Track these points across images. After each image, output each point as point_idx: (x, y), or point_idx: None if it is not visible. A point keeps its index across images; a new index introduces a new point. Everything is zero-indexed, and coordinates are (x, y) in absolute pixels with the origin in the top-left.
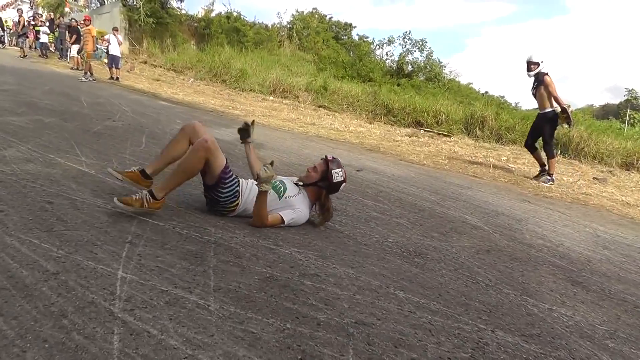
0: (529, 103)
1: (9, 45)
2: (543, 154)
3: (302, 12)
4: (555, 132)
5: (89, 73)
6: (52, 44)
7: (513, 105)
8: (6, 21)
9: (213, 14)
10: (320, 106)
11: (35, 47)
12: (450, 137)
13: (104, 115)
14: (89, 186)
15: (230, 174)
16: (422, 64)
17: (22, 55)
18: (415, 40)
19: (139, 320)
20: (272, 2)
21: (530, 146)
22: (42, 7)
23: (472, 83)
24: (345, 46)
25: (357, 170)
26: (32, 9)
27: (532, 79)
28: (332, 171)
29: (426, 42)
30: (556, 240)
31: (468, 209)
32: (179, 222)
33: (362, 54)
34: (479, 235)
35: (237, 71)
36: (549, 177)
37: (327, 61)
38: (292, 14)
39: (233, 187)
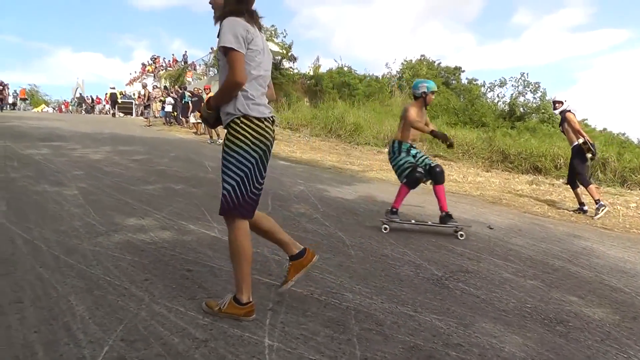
0: None
1: (136, 116)
2: (581, 190)
3: (410, 60)
4: (588, 162)
5: (211, 137)
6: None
7: (636, 142)
8: (133, 94)
9: (323, 70)
10: (435, 155)
11: (160, 116)
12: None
13: None
14: (224, 253)
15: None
16: (535, 105)
17: (147, 125)
18: (528, 82)
19: None
20: (380, 52)
21: (570, 183)
22: (165, 78)
23: (586, 119)
24: (455, 91)
25: (490, 228)
26: (155, 81)
27: (559, 116)
28: None
29: (539, 84)
30: None
31: (603, 268)
32: (316, 287)
33: (473, 98)
34: (621, 300)
35: (351, 125)
36: (597, 206)
37: (439, 108)
38: (401, 63)
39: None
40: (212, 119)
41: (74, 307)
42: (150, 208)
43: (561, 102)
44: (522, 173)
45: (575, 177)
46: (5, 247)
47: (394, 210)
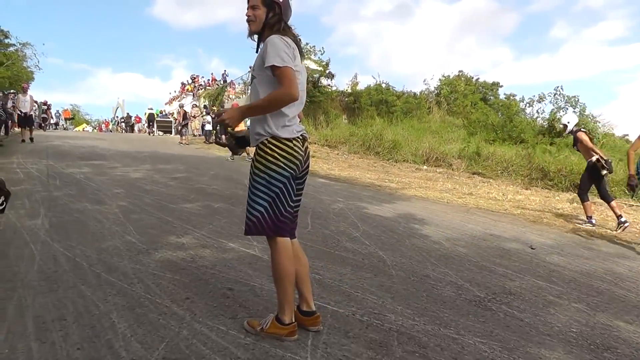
0: None
1: (175, 134)
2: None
3: (448, 76)
4: (606, 178)
5: (249, 154)
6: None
7: None
8: (172, 113)
9: (361, 87)
10: (474, 173)
11: (201, 135)
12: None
13: None
14: (265, 272)
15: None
16: None
17: (185, 143)
18: (567, 96)
19: None
20: (417, 68)
21: (602, 198)
22: (204, 97)
23: (627, 135)
24: (494, 107)
25: (532, 248)
26: (194, 100)
27: (572, 137)
28: None
29: (578, 98)
30: None
31: None
32: (358, 308)
33: (512, 114)
34: None
35: (389, 142)
36: (587, 220)
37: (477, 125)
38: (439, 79)
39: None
40: (235, 142)
41: (116, 325)
42: (190, 226)
43: (566, 125)
44: (563, 191)
45: (604, 193)
46: (49, 264)
47: None
